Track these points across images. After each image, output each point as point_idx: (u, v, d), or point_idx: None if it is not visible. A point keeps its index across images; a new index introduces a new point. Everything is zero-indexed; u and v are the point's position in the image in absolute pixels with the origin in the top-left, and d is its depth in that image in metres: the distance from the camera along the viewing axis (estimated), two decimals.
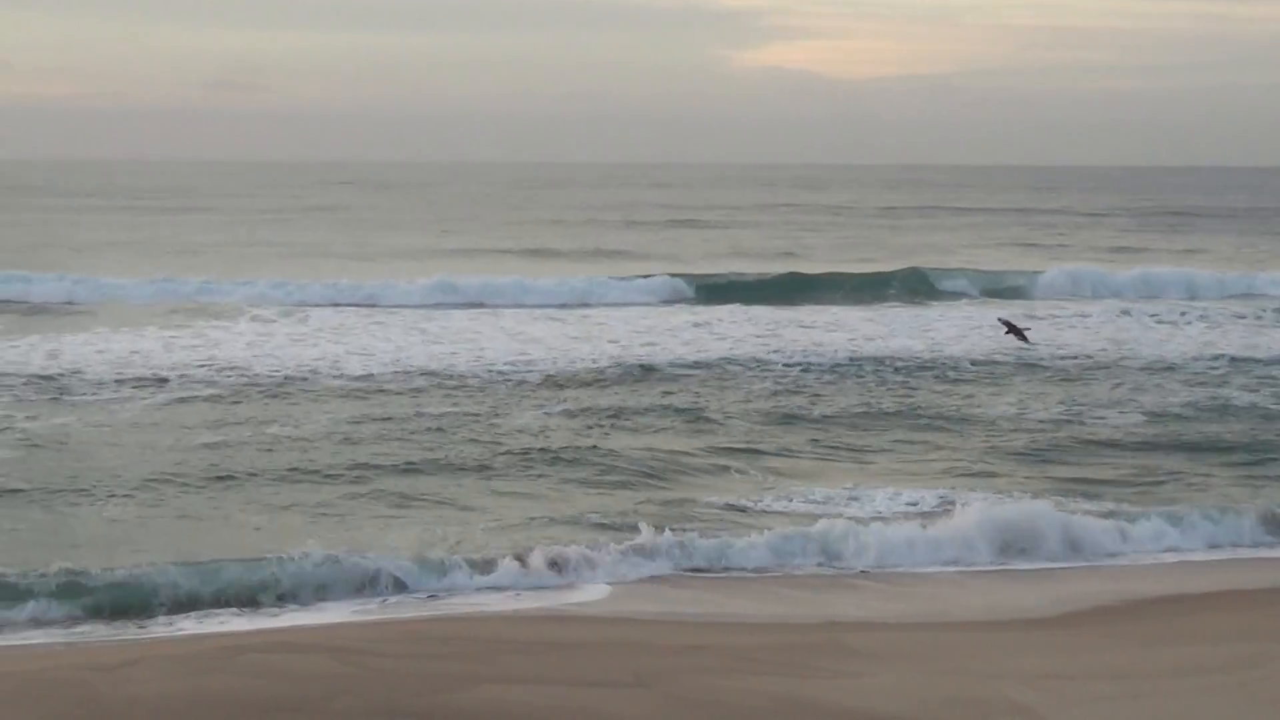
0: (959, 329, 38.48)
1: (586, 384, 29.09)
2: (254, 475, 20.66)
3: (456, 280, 46.88)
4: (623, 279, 49.08)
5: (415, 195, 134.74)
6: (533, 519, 18.68)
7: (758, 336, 36.70)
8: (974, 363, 32.29)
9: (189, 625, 14.65)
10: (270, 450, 22.33)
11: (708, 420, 25.43)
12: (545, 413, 25.74)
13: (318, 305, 42.41)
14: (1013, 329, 17.75)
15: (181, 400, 26.59)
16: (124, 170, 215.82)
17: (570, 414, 25.70)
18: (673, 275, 50.01)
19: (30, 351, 31.75)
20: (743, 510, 19.43)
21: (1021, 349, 32.43)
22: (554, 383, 29.11)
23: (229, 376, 28.97)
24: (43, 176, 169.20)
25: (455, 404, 26.58)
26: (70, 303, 42.23)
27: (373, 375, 29.57)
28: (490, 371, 30.41)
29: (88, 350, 32.10)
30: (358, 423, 24.52)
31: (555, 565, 16.45)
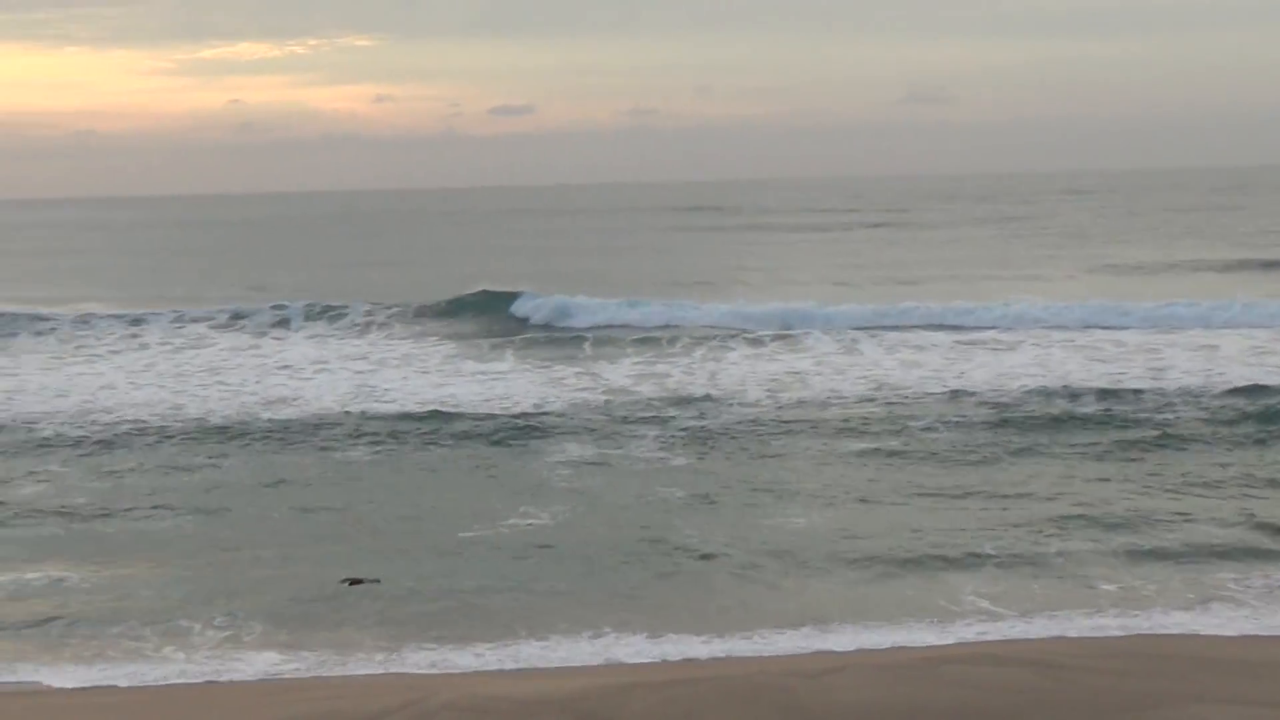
0: None
1: None
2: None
3: None
4: None
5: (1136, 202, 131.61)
6: None
7: None
8: None
9: (877, 637, 14.92)
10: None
11: None
12: None
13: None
14: (354, 581, 16.55)
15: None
16: (819, 187, 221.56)
17: None
18: None
19: (695, 369, 32.98)
20: None
21: None
22: None
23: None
24: (746, 197, 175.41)
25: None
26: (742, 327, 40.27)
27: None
28: None
29: (741, 368, 32.84)
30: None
31: None
